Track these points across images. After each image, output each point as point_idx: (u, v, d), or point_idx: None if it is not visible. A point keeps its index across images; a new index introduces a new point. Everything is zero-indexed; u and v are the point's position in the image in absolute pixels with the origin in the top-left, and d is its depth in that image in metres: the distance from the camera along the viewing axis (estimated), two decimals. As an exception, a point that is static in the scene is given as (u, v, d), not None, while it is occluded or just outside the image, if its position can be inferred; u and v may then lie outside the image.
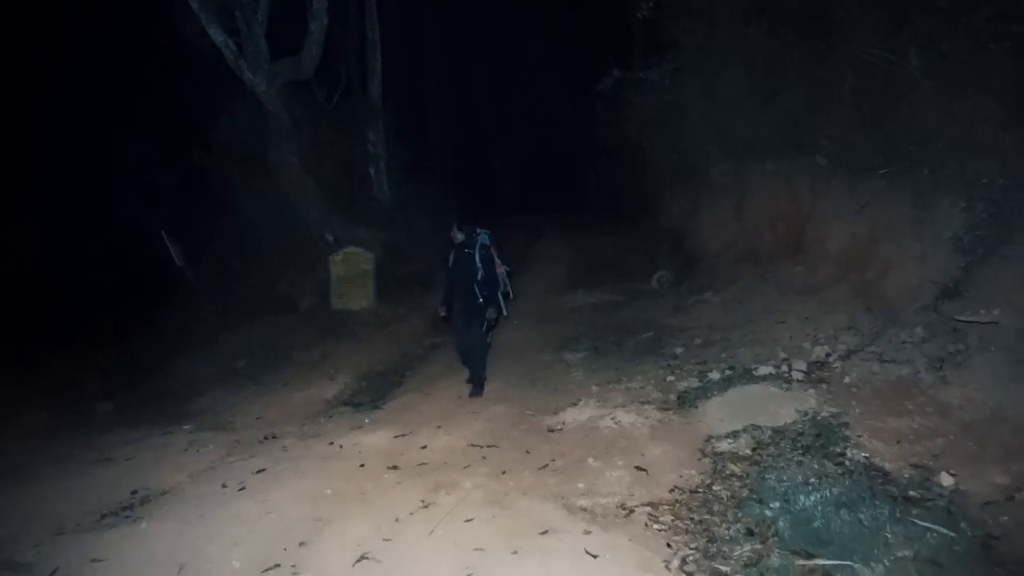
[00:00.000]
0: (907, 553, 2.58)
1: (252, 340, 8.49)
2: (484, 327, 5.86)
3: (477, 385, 5.86)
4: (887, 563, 2.54)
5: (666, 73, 9.19)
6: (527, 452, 4.23)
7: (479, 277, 5.83)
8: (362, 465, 4.22)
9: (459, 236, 5.93)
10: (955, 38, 5.41)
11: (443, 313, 6.12)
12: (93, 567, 3.11)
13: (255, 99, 9.78)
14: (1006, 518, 2.79)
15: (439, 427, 4.88)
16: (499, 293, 5.98)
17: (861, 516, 2.84)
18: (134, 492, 4.19)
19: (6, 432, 6.77)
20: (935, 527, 2.70)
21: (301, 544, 3.23)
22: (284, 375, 7.14)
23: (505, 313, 6.15)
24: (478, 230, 6.02)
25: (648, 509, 3.32)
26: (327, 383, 6.69)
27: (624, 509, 3.35)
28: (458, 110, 17.06)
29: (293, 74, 9.24)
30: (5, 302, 10.79)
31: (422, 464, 4.21)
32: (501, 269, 6.07)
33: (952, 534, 2.66)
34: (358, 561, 3.02)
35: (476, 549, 3.01)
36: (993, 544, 2.61)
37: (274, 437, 5.10)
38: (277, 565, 3.06)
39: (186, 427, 5.78)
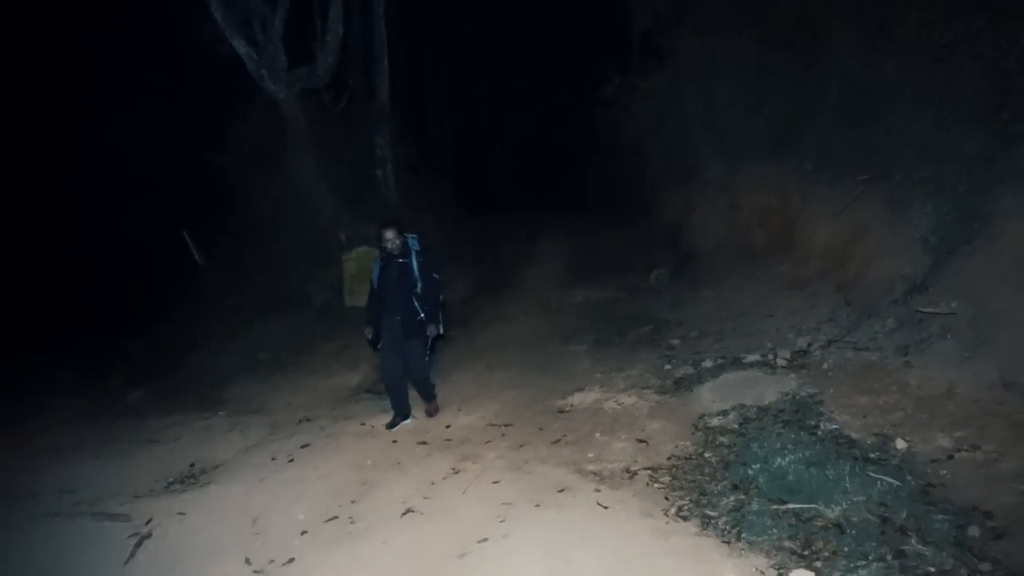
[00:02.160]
0: (861, 498, 3.19)
1: (272, 333, 9.08)
2: (424, 346, 5.40)
3: (430, 401, 5.50)
4: (844, 505, 3.16)
5: (663, 80, 9.78)
6: (541, 429, 4.85)
7: (418, 289, 5.31)
8: (394, 441, 4.83)
9: (395, 243, 5.30)
10: (925, 54, 6.01)
11: (370, 336, 5.46)
12: (180, 518, 3.72)
13: (268, 103, 10.38)
14: (945, 471, 3.41)
15: (459, 409, 5.49)
16: (440, 307, 5.53)
17: (827, 472, 3.45)
18: (192, 464, 4.79)
19: (43, 417, 7.36)
20: (885, 478, 3.32)
21: (353, 502, 3.85)
22: (307, 366, 7.71)
23: (442, 330, 5.58)
24: (407, 235, 5.45)
25: (649, 472, 3.94)
26: (349, 373, 7.26)
27: (628, 472, 3.97)
28: (458, 112, 17.65)
29: (309, 82, 9.84)
30: (30, 296, 11.36)
31: (447, 440, 4.82)
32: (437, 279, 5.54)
33: (899, 483, 3.27)
34: (404, 514, 3.63)
35: (504, 503, 3.61)
36: (930, 490, 3.23)
37: (308, 420, 5.71)
38: (335, 517, 3.67)
39: (222, 413, 6.38)
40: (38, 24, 11.33)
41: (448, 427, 5.08)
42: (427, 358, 5.53)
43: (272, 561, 3.27)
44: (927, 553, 2.75)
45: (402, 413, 5.32)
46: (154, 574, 3.26)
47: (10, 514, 3.97)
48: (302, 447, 4.78)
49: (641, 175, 12.45)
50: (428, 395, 5.53)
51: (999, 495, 3.13)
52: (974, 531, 2.87)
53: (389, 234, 5.35)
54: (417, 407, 5.52)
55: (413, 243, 5.45)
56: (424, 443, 4.75)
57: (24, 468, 5.14)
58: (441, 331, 5.56)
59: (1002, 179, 5.06)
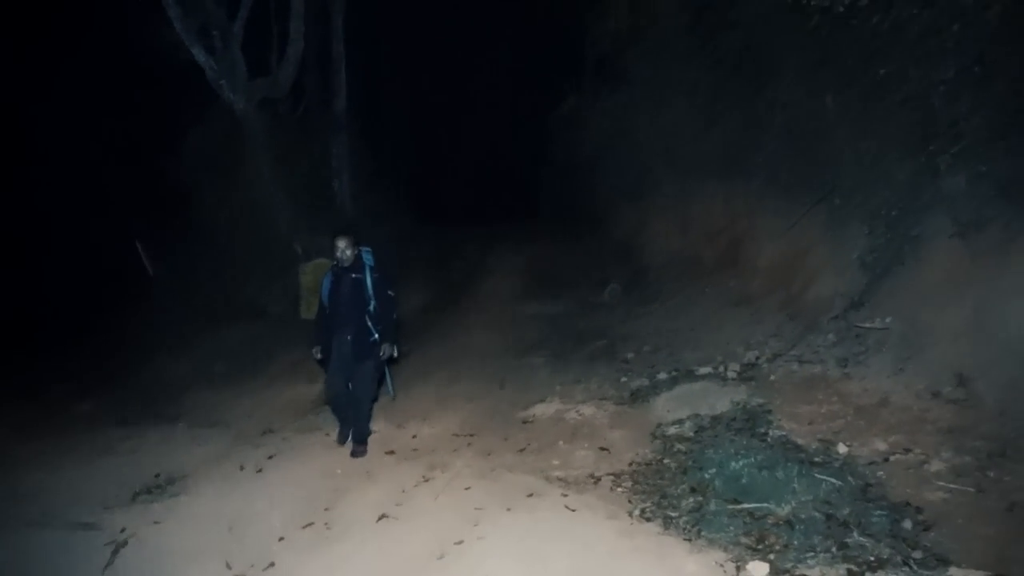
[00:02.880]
0: (808, 497, 3.49)
1: (227, 344, 9.02)
2: (377, 370, 5.13)
3: (361, 442, 4.99)
4: (793, 504, 3.45)
5: (618, 100, 10.17)
6: (505, 439, 5.03)
7: (371, 307, 5.00)
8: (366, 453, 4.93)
9: (347, 253, 4.95)
10: (862, 87, 6.50)
11: (319, 356, 5.10)
12: (156, 527, 3.76)
13: (224, 112, 10.35)
14: (881, 472, 3.76)
15: (424, 420, 5.62)
16: (395, 326, 5.22)
17: (776, 474, 3.75)
18: (157, 475, 4.80)
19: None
20: (829, 479, 3.63)
21: (326, 509, 3.96)
22: (265, 377, 7.70)
23: (396, 352, 5.21)
24: (362, 248, 5.11)
25: (612, 477, 4.17)
26: (309, 385, 7.27)
27: (592, 478, 4.19)
28: (413, 124, 17.79)
29: (269, 92, 9.86)
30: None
31: (415, 450, 4.96)
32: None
33: (841, 483, 3.59)
34: (380, 519, 3.76)
35: (476, 508, 3.79)
36: (869, 489, 3.55)
37: (272, 431, 5.74)
38: (312, 523, 3.78)
39: (180, 424, 6.35)
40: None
41: (414, 437, 5.22)
42: (378, 384, 5.20)
43: (252, 565, 3.36)
44: (867, 544, 3.05)
45: (346, 428, 5.09)
46: (133, 583, 3.31)
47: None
48: (269, 457, 4.84)
49: (595, 191, 12.82)
50: (363, 432, 5.03)
51: (928, 492, 3.49)
52: (907, 524, 3.20)
53: (342, 243, 4.96)
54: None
55: (367, 257, 5.12)
56: (392, 452, 4.88)
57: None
58: (395, 353, 5.18)
59: (928, 205, 5.52)
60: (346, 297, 4.97)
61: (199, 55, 8.99)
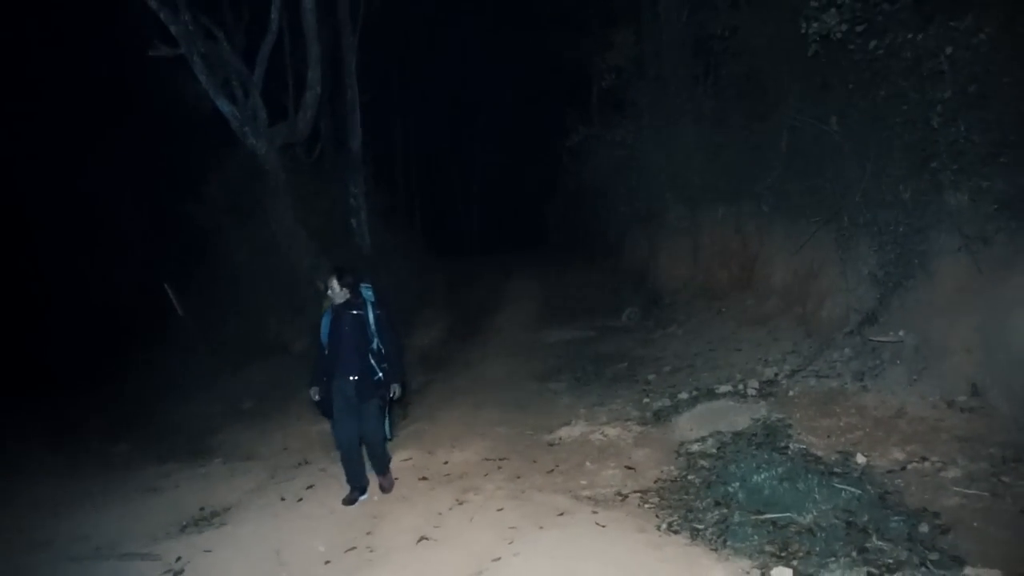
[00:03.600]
0: (828, 506, 3.66)
1: (253, 381, 9.30)
2: (382, 410, 4.89)
3: (384, 472, 4.95)
4: (814, 513, 3.62)
5: (626, 130, 10.51)
6: (534, 461, 5.23)
7: (374, 345, 4.81)
8: (396, 478, 5.14)
9: (341, 293, 4.79)
10: (864, 110, 6.75)
11: (316, 397, 4.88)
12: (207, 555, 3.98)
13: (243, 157, 10.80)
14: (899, 480, 3.93)
15: (453, 446, 5.83)
16: (403, 364, 5.11)
17: (798, 486, 3.92)
18: (201, 508, 5.01)
19: (26, 471, 7.39)
20: (848, 488, 3.80)
21: (368, 533, 4.17)
22: (294, 412, 7.93)
23: (401, 391, 4.98)
24: (362, 284, 4.95)
25: (639, 494, 4.36)
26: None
27: (620, 496, 4.38)
28: (425, 161, 18.32)
29: (288, 137, 10.32)
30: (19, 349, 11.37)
31: (447, 475, 5.16)
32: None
33: (860, 492, 3.76)
34: (419, 541, 3.96)
35: (510, 527, 3.98)
36: (887, 497, 3.73)
37: (307, 462, 5.96)
38: (354, 547, 3.99)
39: (217, 460, 6.59)
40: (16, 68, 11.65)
41: (446, 463, 5.42)
42: (385, 422, 4.99)
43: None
44: (886, 548, 3.22)
45: (360, 486, 4.83)
46: (193, 605, 3.53)
47: (34, 562, 4.17)
48: (308, 487, 5.06)
49: (606, 218, 13.14)
50: (383, 466, 4.97)
51: (944, 498, 3.65)
52: (924, 528, 3.37)
53: (333, 283, 4.80)
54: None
55: (368, 293, 4.90)
56: (425, 478, 5.08)
57: (26, 520, 5.29)
58: (399, 392, 4.95)
59: (934, 222, 5.74)
60: (348, 336, 4.74)
61: (223, 106, 9.46)
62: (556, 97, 13.39)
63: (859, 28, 6.41)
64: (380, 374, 4.79)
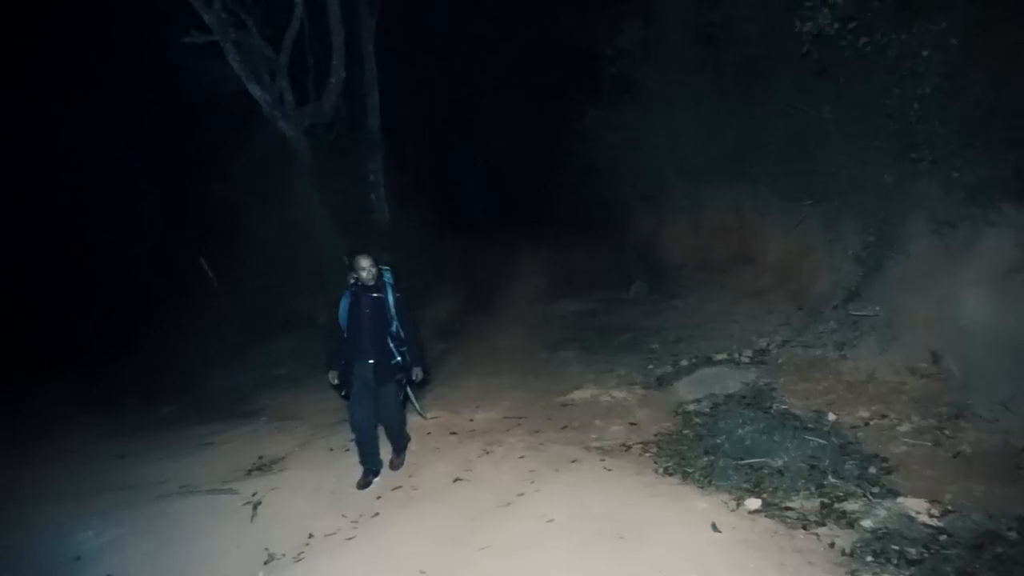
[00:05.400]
0: (798, 453, 4.44)
1: (283, 351, 10.11)
2: (401, 393, 5.11)
3: (401, 451, 5.25)
4: (785, 458, 4.40)
5: (632, 111, 11.13)
6: (549, 419, 6.02)
7: (393, 328, 4.94)
8: (428, 433, 5.94)
9: (372, 272, 4.88)
10: (851, 100, 7.38)
11: (335, 380, 5.00)
12: (275, 492, 4.81)
13: (267, 137, 11.49)
14: (860, 433, 4.71)
15: (476, 407, 6.62)
16: (423, 347, 5.25)
17: (775, 437, 4.69)
18: (260, 457, 5.82)
19: (82, 432, 8.20)
20: (816, 439, 4.58)
21: (409, 476, 4.98)
22: (324, 379, 8.71)
23: (422, 375, 5.21)
24: (380, 266, 5.02)
25: (641, 446, 5.15)
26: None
27: (624, 447, 5.17)
28: (438, 139, 18.94)
29: (314, 118, 10.99)
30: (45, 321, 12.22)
31: (472, 431, 5.96)
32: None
33: (825, 442, 4.54)
34: (454, 481, 4.78)
35: (531, 471, 4.78)
36: (848, 446, 4.51)
37: (345, 421, 6.75)
38: (400, 486, 4.80)
39: (263, 419, 7.41)
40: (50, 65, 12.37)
41: (471, 420, 6.22)
42: (416, 403, 5.23)
43: (362, 515, 4.38)
44: (839, 484, 4.01)
45: (374, 469, 5.00)
46: (274, 528, 4.31)
47: (128, 500, 5.01)
48: (350, 440, 5.84)
49: (612, 196, 13.79)
50: (402, 446, 5.24)
51: (894, 447, 4.45)
52: (872, 470, 4.16)
53: (365, 262, 4.88)
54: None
55: (387, 275, 5.02)
56: (454, 433, 5.88)
57: (100, 470, 6.13)
58: (421, 375, 5.18)
59: (911, 207, 6.42)
60: (367, 319, 4.85)
61: (255, 90, 10.14)
62: (564, 78, 13.93)
63: (850, 26, 7.04)
64: (399, 358, 4.94)
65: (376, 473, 5.01)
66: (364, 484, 4.91)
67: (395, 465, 5.15)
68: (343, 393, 5.08)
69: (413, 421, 5.90)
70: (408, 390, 5.29)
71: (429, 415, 6.27)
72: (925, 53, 6.17)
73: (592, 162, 13.02)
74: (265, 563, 3.91)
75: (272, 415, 7.54)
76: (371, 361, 4.87)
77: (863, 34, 7.00)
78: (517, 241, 16.51)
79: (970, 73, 6.02)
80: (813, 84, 8.18)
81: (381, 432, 5.18)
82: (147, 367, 11.70)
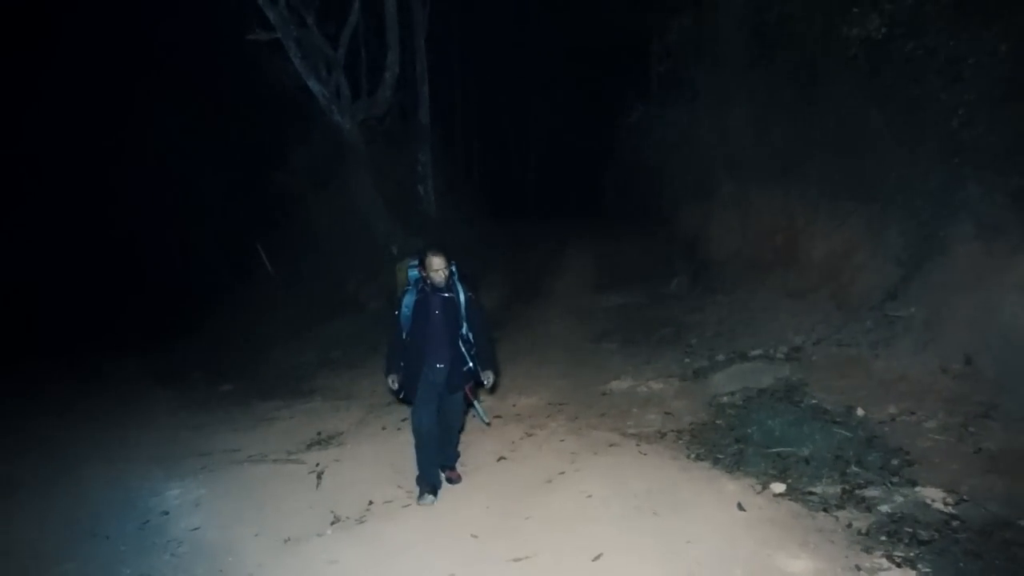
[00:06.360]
0: (824, 445, 4.75)
1: (337, 335, 10.75)
2: (464, 402, 4.80)
3: (454, 467, 4.99)
4: (812, 448, 4.72)
5: (682, 109, 11.37)
6: (589, 406, 6.43)
7: (464, 331, 4.66)
8: (474, 416, 6.41)
9: (442, 276, 4.54)
10: (899, 104, 7.55)
11: (395, 385, 4.72)
12: (337, 463, 5.34)
13: (324, 130, 12.13)
14: (887, 429, 4.98)
15: (520, 394, 7.07)
16: (495, 351, 5.03)
17: (803, 429, 5.00)
18: (319, 433, 6.39)
19: (155, 406, 8.94)
20: (844, 432, 4.88)
21: (459, 453, 5.45)
22: (378, 363, 9.26)
23: (492, 381, 4.89)
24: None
25: (675, 433, 5.52)
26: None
27: (659, 433, 5.55)
28: (488, 132, 19.43)
29: (368, 112, 11.58)
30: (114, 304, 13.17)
31: (517, 415, 6.41)
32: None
33: (852, 435, 4.84)
34: (499, 460, 5.23)
35: (571, 453, 5.20)
36: (873, 440, 4.79)
37: (398, 401, 7.30)
38: (450, 464, 5.28)
39: (318, 398, 8.00)
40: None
41: (514, 406, 6.68)
42: (480, 409, 5.04)
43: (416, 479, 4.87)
44: (861, 473, 4.32)
45: (433, 485, 4.70)
46: (338, 495, 4.81)
47: (208, 464, 5.61)
48: (403, 420, 6.36)
49: (660, 192, 14.01)
50: (454, 458, 5.03)
51: (918, 441, 4.71)
52: (895, 462, 4.45)
53: (439, 261, 4.52)
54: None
55: (455, 271, 4.67)
56: (499, 416, 6.34)
57: (180, 438, 6.78)
58: (493, 380, 4.89)
59: (955, 211, 6.59)
60: (438, 320, 4.57)
61: (314, 85, 10.77)
62: (615, 72, 14.21)
63: (899, 31, 7.21)
64: (471, 363, 4.68)
65: (436, 490, 4.68)
66: (423, 499, 4.60)
67: (454, 479, 4.91)
68: (401, 397, 4.90)
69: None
70: (475, 399, 4.99)
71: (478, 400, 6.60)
72: (971, 60, 6.33)
73: (642, 157, 13.29)
74: (331, 523, 4.42)
75: (327, 395, 8.14)
76: (440, 366, 4.61)
77: (912, 38, 7.19)
78: (565, 233, 16.80)
79: (1019, 80, 6.16)
80: (863, 86, 8.35)
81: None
82: (209, 347, 12.53)
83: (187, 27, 12.46)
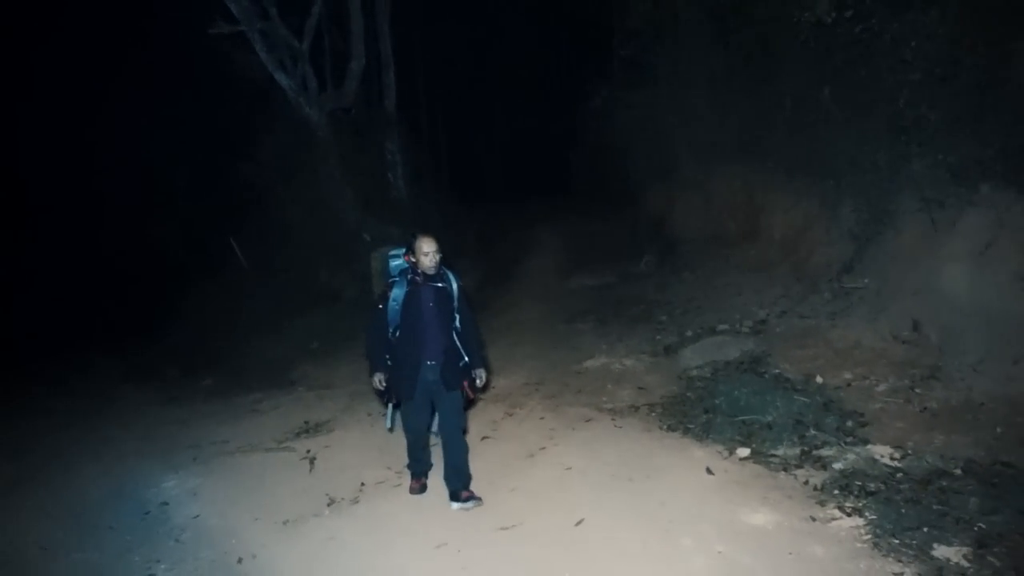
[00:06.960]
0: (785, 411, 5.15)
1: (314, 326, 10.92)
2: (463, 401, 4.43)
3: (468, 486, 4.39)
4: (774, 415, 5.12)
5: (644, 91, 11.69)
6: (565, 385, 6.77)
7: (457, 324, 4.35)
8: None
9: (432, 261, 4.20)
10: (851, 84, 7.95)
11: (381, 385, 4.38)
12: (327, 449, 5.60)
13: (291, 121, 12.20)
14: (843, 394, 5.41)
15: (498, 375, 7.33)
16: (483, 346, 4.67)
17: (766, 397, 5.40)
18: (306, 422, 6.60)
19: (136, 401, 9.04)
20: (803, 398, 5.29)
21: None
22: (355, 351, 9.51)
23: (484, 380, 4.50)
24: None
25: (648, 407, 5.88)
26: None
27: (633, 407, 5.91)
28: (453, 117, 19.56)
29: (336, 103, 11.67)
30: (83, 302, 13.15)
31: (496, 395, 6.71)
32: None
33: (810, 401, 5.25)
34: (483, 439, 5.54)
35: (550, 429, 5.53)
36: (830, 405, 5.21)
37: (380, 388, 7.56)
38: (435, 444, 5.53)
39: (301, 388, 8.21)
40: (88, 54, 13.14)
41: (494, 387, 6.97)
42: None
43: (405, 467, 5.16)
44: (818, 435, 4.73)
45: (424, 470, 4.68)
46: (331, 478, 5.07)
47: (199, 456, 5.82)
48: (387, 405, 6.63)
49: (625, 172, 14.35)
50: (467, 476, 4.43)
51: (870, 403, 5.15)
52: (849, 423, 4.87)
53: (429, 246, 4.19)
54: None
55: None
56: (480, 398, 6.64)
57: (165, 434, 6.94)
58: (484, 378, 4.52)
59: (901, 186, 7.02)
60: (431, 312, 4.23)
61: (282, 79, 10.83)
62: (579, 56, 14.46)
63: (847, 14, 7.58)
64: (466, 358, 4.38)
65: (426, 473, 4.66)
66: (420, 488, 4.61)
67: (473, 500, 4.34)
68: (387, 400, 4.57)
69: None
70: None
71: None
72: (914, 43, 6.72)
73: (606, 139, 13.60)
74: (328, 505, 4.69)
75: (310, 385, 8.36)
76: (432, 362, 4.26)
77: (859, 21, 7.56)
78: (535, 217, 17.11)
79: (958, 61, 6.57)
80: (815, 67, 8.73)
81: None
82: (185, 342, 12.58)
83: (153, 19, 12.38)
